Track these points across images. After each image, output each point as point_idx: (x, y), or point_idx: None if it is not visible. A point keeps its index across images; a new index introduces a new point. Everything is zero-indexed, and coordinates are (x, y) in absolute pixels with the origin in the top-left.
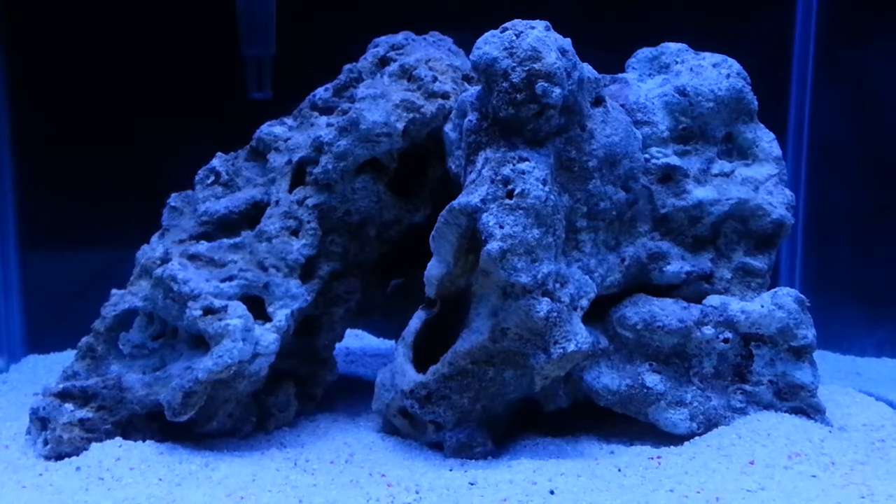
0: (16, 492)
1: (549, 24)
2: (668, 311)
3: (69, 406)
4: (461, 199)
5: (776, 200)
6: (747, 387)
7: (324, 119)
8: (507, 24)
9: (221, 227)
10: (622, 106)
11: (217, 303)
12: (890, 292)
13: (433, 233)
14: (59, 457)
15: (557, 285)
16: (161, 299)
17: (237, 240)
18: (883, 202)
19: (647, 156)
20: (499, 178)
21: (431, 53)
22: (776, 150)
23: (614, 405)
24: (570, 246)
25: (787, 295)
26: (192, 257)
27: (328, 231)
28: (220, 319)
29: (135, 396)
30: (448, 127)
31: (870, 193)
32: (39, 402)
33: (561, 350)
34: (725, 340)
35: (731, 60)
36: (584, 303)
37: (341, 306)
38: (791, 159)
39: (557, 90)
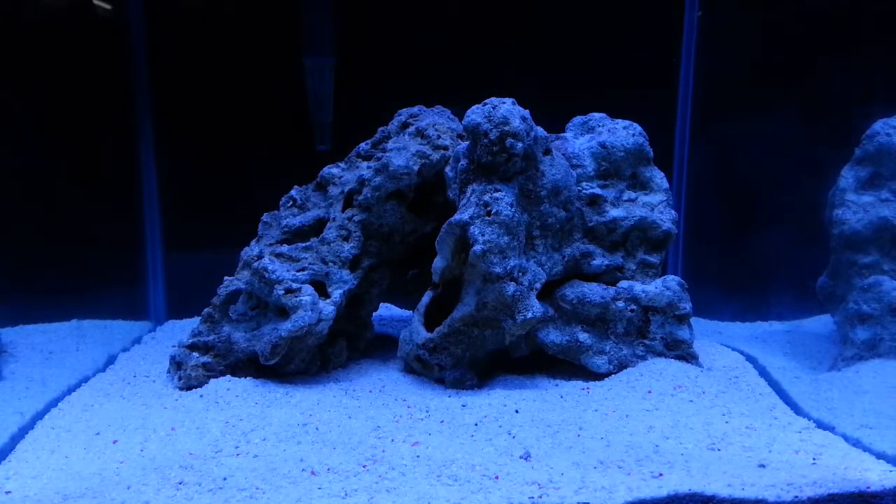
0: (160, 411)
1: (514, 100)
2: (594, 290)
3: (196, 354)
4: (456, 216)
5: (665, 217)
6: (646, 341)
7: (365, 164)
8: (487, 101)
9: (297, 235)
10: (563, 154)
11: (294, 285)
12: (740, 280)
13: (438, 239)
14: (189, 388)
15: (520, 274)
16: (257, 283)
17: (307, 244)
18: (735, 221)
19: (579, 188)
20: (481, 202)
21: (437, 119)
22: (665, 184)
23: (558, 354)
24: (529, 247)
25: (672, 280)
26: (278, 255)
27: (368, 238)
28: (296, 296)
29: (239, 348)
30: (447, 169)
31: (727, 214)
32: (175, 351)
33: (522, 317)
34: (632, 310)
35: (635, 124)
36: (538, 285)
37: (377, 287)
38: (675, 190)
39: (520, 144)
